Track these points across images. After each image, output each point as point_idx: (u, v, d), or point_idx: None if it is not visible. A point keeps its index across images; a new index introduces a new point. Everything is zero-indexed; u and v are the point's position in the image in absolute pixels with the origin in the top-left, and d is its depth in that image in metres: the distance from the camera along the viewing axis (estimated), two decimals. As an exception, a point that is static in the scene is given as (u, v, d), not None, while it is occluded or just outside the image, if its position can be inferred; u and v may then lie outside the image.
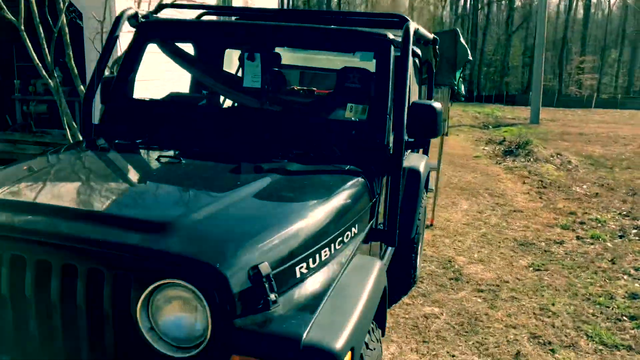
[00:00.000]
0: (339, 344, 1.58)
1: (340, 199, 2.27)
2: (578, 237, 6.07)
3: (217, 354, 1.59)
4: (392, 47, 2.93)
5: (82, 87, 5.91)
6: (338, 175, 2.51)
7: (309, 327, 1.60)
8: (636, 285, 4.74)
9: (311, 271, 1.92)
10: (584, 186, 8.93)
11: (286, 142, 2.77)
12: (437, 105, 2.83)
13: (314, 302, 1.77)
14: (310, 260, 1.93)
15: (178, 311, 1.66)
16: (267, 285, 1.67)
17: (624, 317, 4.08)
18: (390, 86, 2.86)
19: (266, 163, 2.48)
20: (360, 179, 2.54)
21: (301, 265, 1.88)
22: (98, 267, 1.68)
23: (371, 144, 2.74)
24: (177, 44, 3.51)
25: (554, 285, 4.65)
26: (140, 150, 2.62)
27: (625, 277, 4.93)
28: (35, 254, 1.72)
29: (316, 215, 2.06)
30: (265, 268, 1.69)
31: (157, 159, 2.42)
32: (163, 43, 3.41)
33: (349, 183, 2.44)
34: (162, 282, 1.63)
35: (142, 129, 2.92)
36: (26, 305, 1.74)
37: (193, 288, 1.60)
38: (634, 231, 6.36)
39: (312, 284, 1.88)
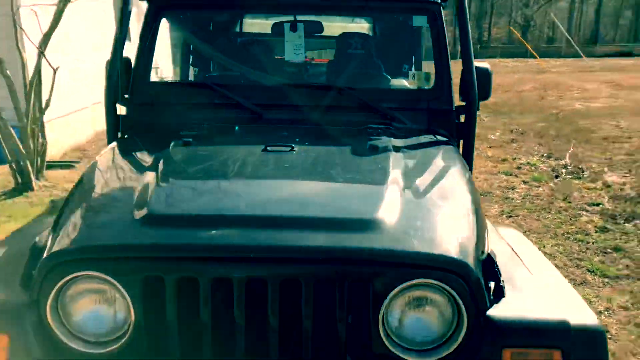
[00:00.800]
0: (596, 320, 1.57)
1: (467, 170, 2.24)
2: (524, 182, 6.57)
3: (478, 350, 1.51)
4: (442, 11, 2.88)
5: (7, 71, 5.11)
6: (441, 147, 2.47)
7: (559, 310, 1.58)
8: (598, 220, 5.26)
9: (491, 249, 1.88)
10: (497, 133, 9.63)
11: (353, 116, 2.64)
12: (488, 66, 2.87)
13: (522, 282, 1.74)
14: (485, 238, 1.89)
15: (418, 312, 1.55)
16: (498, 272, 1.61)
17: (608, 250, 4.53)
18: (447, 50, 2.83)
19: (367, 140, 2.35)
20: (454, 147, 2.53)
21: (486, 245, 1.83)
22: (326, 277, 1.51)
23: (442, 110, 2.71)
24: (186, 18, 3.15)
25: (533, 229, 5.02)
26: (229, 143, 2.34)
27: (585, 213, 5.45)
28: (243, 272, 1.50)
29: (472, 191, 2.01)
30: (494, 255, 1.63)
31: (266, 150, 2.17)
32: (178, 17, 3.03)
33: (455, 153, 2.41)
34: (407, 284, 1.50)
35: (188, 117, 2.60)
36: (233, 328, 1.53)
37: (443, 285, 1.50)
38: (564, 170, 7.02)
39: (501, 263, 1.84)
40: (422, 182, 2.01)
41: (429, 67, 3.22)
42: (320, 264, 1.52)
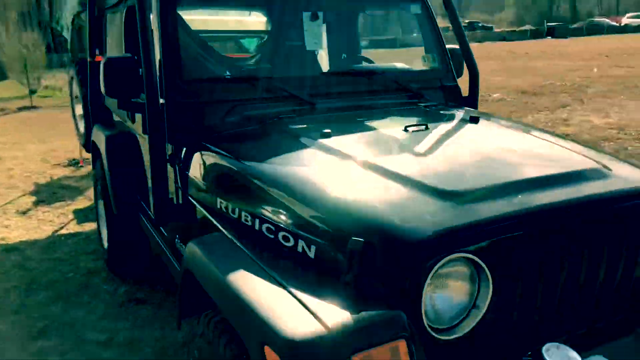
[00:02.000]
0: None
1: None
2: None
3: None
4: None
5: None
6: (491, 116, 2.66)
7: None
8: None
9: None
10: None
11: (391, 98, 2.76)
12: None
13: None
14: None
15: None
16: None
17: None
18: (441, 34, 3.06)
19: (458, 114, 2.60)
20: None
21: None
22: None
23: (452, 86, 2.96)
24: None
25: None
26: (357, 130, 2.29)
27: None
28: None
29: None
30: None
31: (406, 130, 2.18)
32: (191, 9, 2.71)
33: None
34: None
35: (239, 114, 2.42)
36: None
37: None
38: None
39: None
40: (548, 136, 2.23)
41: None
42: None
